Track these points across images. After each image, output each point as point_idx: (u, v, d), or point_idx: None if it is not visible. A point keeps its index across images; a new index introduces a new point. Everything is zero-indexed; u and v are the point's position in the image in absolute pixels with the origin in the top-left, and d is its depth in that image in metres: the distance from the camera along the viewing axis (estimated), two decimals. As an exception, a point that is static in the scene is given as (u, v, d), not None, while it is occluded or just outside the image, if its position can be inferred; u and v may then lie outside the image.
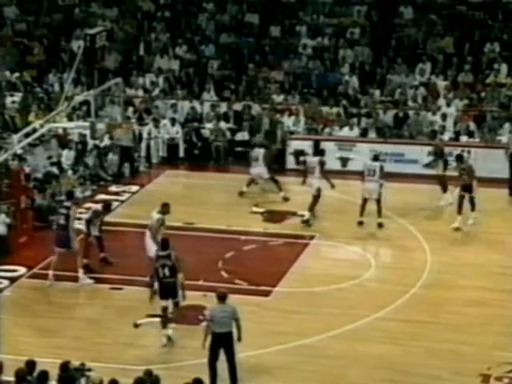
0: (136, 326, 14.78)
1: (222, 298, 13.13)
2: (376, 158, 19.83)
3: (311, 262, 17.76)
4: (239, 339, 13.04)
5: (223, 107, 25.49)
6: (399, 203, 20.42)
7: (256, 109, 25.15)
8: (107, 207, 18.23)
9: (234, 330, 13.07)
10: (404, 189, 21.43)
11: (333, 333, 14.74)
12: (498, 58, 25.53)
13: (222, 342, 12.97)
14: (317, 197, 19.44)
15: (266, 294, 16.27)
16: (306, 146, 23.62)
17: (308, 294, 16.21)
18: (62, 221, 16.92)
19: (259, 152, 21.37)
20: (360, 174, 19.68)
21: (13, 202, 18.58)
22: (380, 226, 19.08)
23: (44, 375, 11.32)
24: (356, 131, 24.20)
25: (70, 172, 22.02)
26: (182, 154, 24.58)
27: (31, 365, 11.43)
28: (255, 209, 20.51)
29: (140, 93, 26.63)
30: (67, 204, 17.25)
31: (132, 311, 15.36)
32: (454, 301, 15.86)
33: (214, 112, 25.19)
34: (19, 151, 20.80)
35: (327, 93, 25.51)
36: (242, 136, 24.65)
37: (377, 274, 17.11)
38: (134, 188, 22.28)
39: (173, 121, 24.79)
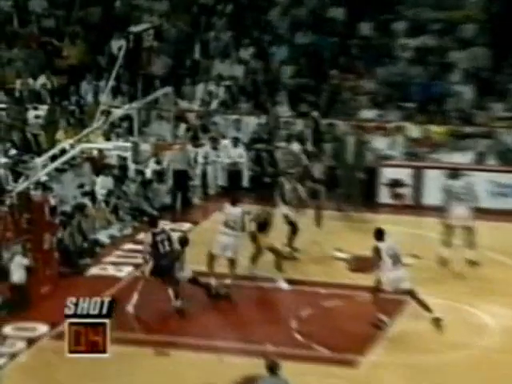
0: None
1: (273, 369, 12.92)
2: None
3: (411, 323, 17.49)
4: None
5: (299, 125, 25.41)
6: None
7: (341, 127, 25.04)
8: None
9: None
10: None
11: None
12: None
13: None
14: None
15: (353, 364, 16.08)
16: (405, 174, 23.62)
17: (407, 366, 15.95)
18: None
19: None
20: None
21: (33, 242, 18.65)
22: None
23: None
24: (470, 156, 23.96)
25: (103, 204, 22.14)
26: (246, 183, 24.55)
27: None
28: (339, 254, 20.32)
29: (195, 106, 26.72)
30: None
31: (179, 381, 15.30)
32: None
33: (288, 131, 25.14)
34: (43, 178, 20.97)
35: (433, 107, 25.35)
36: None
37: (498, 340, 16.83)
38: (186, 226, 22.34)
39: (235, 141, 24.84)
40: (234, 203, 18.42)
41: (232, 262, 18.30)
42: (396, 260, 17.07)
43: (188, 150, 24.20)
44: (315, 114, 25.68)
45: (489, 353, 16.38)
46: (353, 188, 23.46)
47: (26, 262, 18.30)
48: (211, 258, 18.38)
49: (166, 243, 17.73)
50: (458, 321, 17.54)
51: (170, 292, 17.42)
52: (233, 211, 18.46)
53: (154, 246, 17.70)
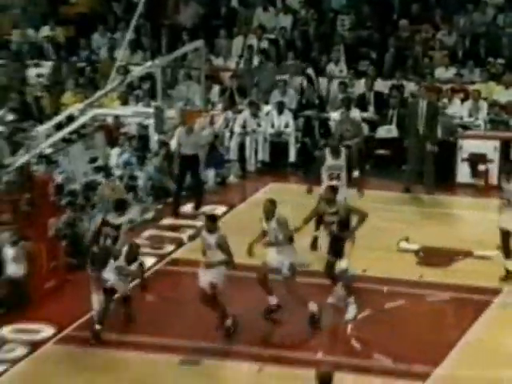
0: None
1: (325, 382, 13.14)
2: None
3: (494, 330, 17.62)
4: None
5: (359, 87, 25.55)
6: None
7: (411, 89, 25.13)
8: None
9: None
10: None
11: None
12: None
13: None
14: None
15: (423, 377, 16.14)
16: (490, 147, 23.69)
17: (489, 381, 16.04)
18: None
19: None
20: None
21: (35, 228, 18.95)
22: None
23: None
24: None
25: (119, 182, 22.37)
26: (292, 157, 24.79)
27: None
28: (405, 245, 20.54)
29: (231, 64, 26.89)
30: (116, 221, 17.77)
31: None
32: None
33: (345, 94, 25.28)
34: (47, 150, 21.19)
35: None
36: (388, 131, 24.73)
37: None
38: (220, 209, 22.54)
39: (280, 107, 25.04)
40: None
41: None
42: None
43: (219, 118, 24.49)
44: (310, 70, 25.99)
45: None
46: (424, 164, 23.52)
47: (11, 253, 18.41)
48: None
49: (109, 240, 17.89)
50: None
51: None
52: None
53: (96, 234, 18.11)
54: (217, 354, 16.72)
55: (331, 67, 26.48)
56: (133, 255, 17.29)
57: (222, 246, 16.95)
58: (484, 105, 24.82)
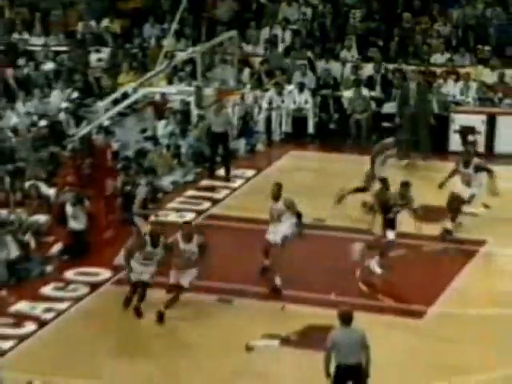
0: (249, 348, 14.82)
1: (346, 319, 12.99)
2: None
3: (480, 275, 17.53)
4: (366, 374, 12.87)
5: (368, 70, 25.35)
6: None
7: (409, 72, 24.97)
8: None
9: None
10: None
11: (506, 373, 14.38)
12: None
13: (349, 376, 12.86)
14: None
15: (418, 315, 16.09)
16: (478, 121, 23.49)
17: (474, 319, 15.92)
18: None
19: None
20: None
21: (95, 187, 18.94)
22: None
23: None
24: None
25: (166, 149, 22.30)
26: (311, 129, 24.66)
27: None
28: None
29: (260, 50, 26.75)
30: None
31: (243, 329, 15.48)
32: None
33: (356, 76, 25.10)
34: (106, 122, 21.16)
35: (509, 50, 25.25)
36: (391, 108, 24.51)
37: None
38: (250, 172, 22.45)
39: (301, 86, 24.89)
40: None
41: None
42: None
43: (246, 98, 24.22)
44: (309, 53, 25.79)
45: None
46: (420, 135, 23.39)
47: (71, 211, 18.41)
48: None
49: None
50: None
51: None
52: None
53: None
54: (247, 295, 16.67)
55: (344, 53, 26.26)
56: (157, 239, 16.23)
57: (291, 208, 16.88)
58: (473, 85, 24.54)
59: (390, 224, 17.41)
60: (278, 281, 16.74)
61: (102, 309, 16.54)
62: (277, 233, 16.87)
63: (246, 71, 25.82)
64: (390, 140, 20.51)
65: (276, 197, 16.92)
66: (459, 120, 23.73)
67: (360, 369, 12.80)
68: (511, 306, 16.19)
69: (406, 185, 17.75)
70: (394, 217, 17.47)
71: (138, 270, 16.09)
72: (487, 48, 25.56)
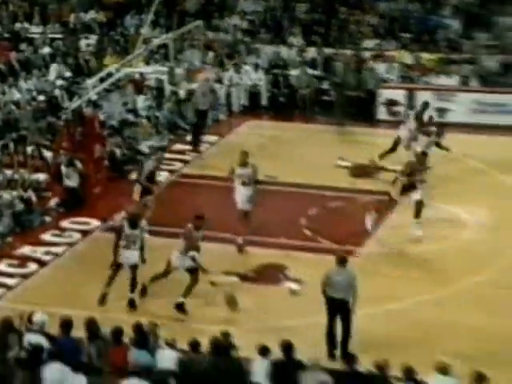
0: (212, 284, 14.81)
1: (340, 261, 13.03)
2: None
3: (402, 220, 17.44)
4: (352, 310, 12.84)
5: (311, 53, 25.27)
6: (501, 158, 19.98)
7: (345, 55, 24.93)
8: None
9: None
10: (508, 143, 20.88)
11: (423, 298, 14.53)
12: None
13: (337, 309, 12.86)
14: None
15: (352, 254, 16.01)
16: (400, 95, 23.50)
17: (397, 256, 16.02)
18: None
19: None
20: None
21: (86, 151, 18.78)
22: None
23: (118, 332, 11.46)
24: (456, 79, 23.82)
25: (145, 120, 22.16)
26: (265, 102, 24.53)
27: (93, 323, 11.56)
28: (341, 162, 20.32)
29: (222, 36, 26.57)
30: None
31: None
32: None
33: (301, 58, 25.01)
34: (94, 97, 20.97)
35: (425, 37, 25.20)
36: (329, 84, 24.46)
37: (473, 235, 16.77)
38: (213, 138, 22.31)
39: (256, 66, 24.74)
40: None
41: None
42: None
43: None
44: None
45: (468, 244, 16.42)
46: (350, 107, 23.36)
47: (65, 171, 18.24)
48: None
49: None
50: (442, 218, 17.49)
51: None
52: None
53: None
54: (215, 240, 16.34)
55: (292, 39, 26.08)
56: (134, 221, 14.42)
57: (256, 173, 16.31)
58: (396, 66, 24.50)
59: (413, 187, 16.76)
60: (240, 240, 16.32)
61: (92, 251, 16.49)
62: (249, 199, 16.36)
63: (210, 54, 25.61)
64: None
65: (244, 163, 16.47)
66: (385, 94, 23.67)
67: (346, 304, 12.81)
68: (427, 244, 16.31)
69: (424, 154, 17.45)
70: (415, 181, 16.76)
71: (123, 254, 14.38)
72: (408, 35, 25.51)
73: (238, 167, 16.36)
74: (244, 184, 16.27)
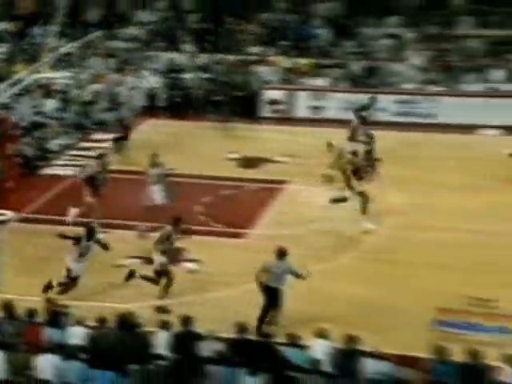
0: (118, 266, 14.60)
1: (279, 254, 12.96)
2: None
3: (286, 205, 17.60)
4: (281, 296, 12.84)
5: (202, 58, 25.18)
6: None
7: (232, 60, 24.89)
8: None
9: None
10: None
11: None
12: (464, 11, 25.19)
13: (271, 295, 12.83)
14: None
15: (242, 236, 16.13)
16: (281, 94, 23.57)
17: (282, 237, 15.91)
18: None
19: None
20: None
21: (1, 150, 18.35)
22: None
23: (32, 313, 11.22)
24: (328, 81, 24.03)
25: (53, 121, 21.70)
26: (162, 103, 24.30)
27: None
28: (231, 155, 20.26)
29: (122, 45, 26.20)
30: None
31: (119, 253, 15.16)
32: (426, 241, 15.64)
33: (194, 63, 24.88)
34: (7, 100, 20.44)
35: (301, 45, 25.31)
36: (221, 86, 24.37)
37: (349, 215, 16.84)
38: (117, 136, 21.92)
39: (153, 71, 24.50)
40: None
41: None
42: None
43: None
44: None
45: (341, 225, 16.34)
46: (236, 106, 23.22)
47: None
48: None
49: None
50: (318, 202, 17.36)
51: None
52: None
53: None
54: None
55: (184, 46, 25.87)
56: (92, 235, 13.87)
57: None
58: (277, 69, 24.56)
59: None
60: (142, 227, 15.95)
61: (8, 239, 15.94)
62: (161, 194, 16.12)
63: (112, 61, 25.21)
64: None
65: (155, 164, 16.24)
66: (267, 94, 23.67)
67: (277, 291, 12.78)
68: (308, 225, 16.34)
69: (369, 152, 17.06)
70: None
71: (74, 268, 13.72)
72: (286, 43, 25.62)
73: (150, 168, 16.21)
74: (157, 182, 16.13)
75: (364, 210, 16.25)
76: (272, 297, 12.83)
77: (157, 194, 16.11)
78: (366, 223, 16.12)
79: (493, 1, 24.66)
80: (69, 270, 13.74)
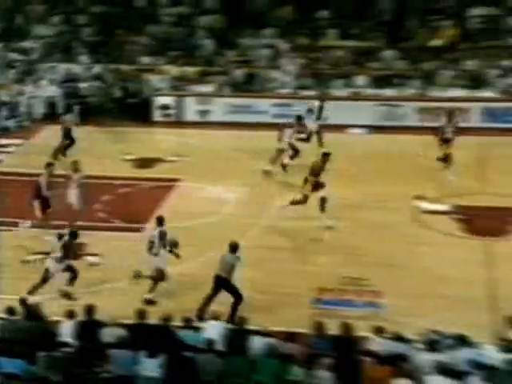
0: (24, 262, 14.21)
1: (232, 248, 12.87)
2: None
3: (179, 201, 17.47)
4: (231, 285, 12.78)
5: (97, 68, 24.70)
6: (249, 148, 20.29)
7: (125, 69, 24.52)
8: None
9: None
10: (253, 136, 21.34)
11: (199, 260, 14.58)
12: (328, 23, 25.60)
13: (219, 283, 12.73)
14: None
15: (139, 230, 15.90)
16: (170, 100, 23.34)
17: (175, 229, 15.71)
18: None
19: None
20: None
21: None
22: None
23: None
24: (213, 87, 23.96)
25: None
26: (61, 110, 23.70)
27: None
28: (127, 157, 19.99)
29: (20, 57, 25.42)
30: None
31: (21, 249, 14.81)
32: (303, 229, 15.80)
33: (89, 73, 24.41)
34: None
35: (187, 54, 25.08)
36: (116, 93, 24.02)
37: (234, 208, 16.91)
38: (19, 141, 21.34)
39: (52, 81, 23.87)
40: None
41: None
42: None
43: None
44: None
45: (228, 217, 16.58)
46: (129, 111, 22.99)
47: None
48: None
49: None
50: (207, 197, 17.56)
51: None
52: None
53: None
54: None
55: (80, 58, 25.25)
56: (72, 252, 13.61)
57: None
58: (166, 77, 24.11)
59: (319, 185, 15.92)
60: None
61: None
62: (82, 197, 15.71)
63: (13, 71, 24.40)
64: None
65: (76, 169, 15.82)
66: (159, 100, 23.42)
67: (226, 280, 12.68)
68: (199, 218, 16.32)
69: (327, 155, 16.20)
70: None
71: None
72: (174, 53, 25.34)
73: (73, 174, 15.78)
74: (78, 186, 15.71)
75: (323, 209, 15.86)
76: (218, 286, 12.72)
77: (75, 198, 15.66)
78: (326, 221, 15.83)
79: (353, 16, 25.23)
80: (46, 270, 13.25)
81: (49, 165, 16.03)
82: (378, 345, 10.56)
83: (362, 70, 24.02)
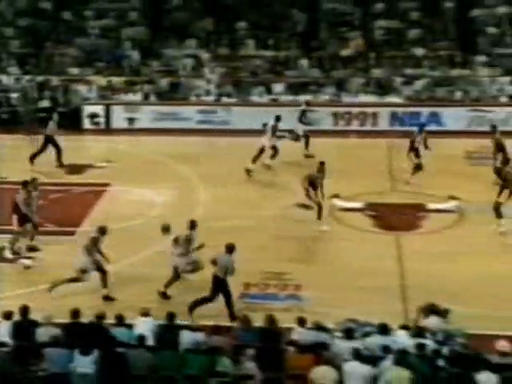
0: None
1: (228, 249, 12.58)
2: None
3: (109, 204, 17.25)
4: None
5: (26, 80, 24.11)
6: (176, 153, 20.20)
7: (55, 81, 24.01)
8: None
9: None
10: (179, 141, 21.22)
11: (132, 259, 14.44)
12: (247, 34, 25.69)
13: (216, 283, 12.49)
14: None
15: (72, 233, 15.65)
16: (99, 109, 23.01)
17: (110, 231, 15.56)
18: None
19: None
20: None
21: None
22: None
23: None
24: (140, 96, 23.71)
25: None
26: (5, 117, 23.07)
27: None
28: (101, 163, 19.66)
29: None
30: None
31: None
32: (228, 227, 15.79)
33: (19, 84, 23.78)
34: None
35: (114, 65, 24.77)
36: (45, 103, 23.46)
37: (162, 210, 16.78)
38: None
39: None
40: None
41: None
42: None
43: None
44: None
45: (155, 219, 16.17)
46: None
47: None
48: None
49: None
50: (136, 200, 17.38)
51: None
52: None
53: None
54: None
55: (9, 69, 24.56)
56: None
57: None
58: (94, 87, 23.74)
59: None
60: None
61: None
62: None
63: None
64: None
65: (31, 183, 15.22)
66: (88, 109, 23.01)
67: (223, 280, 12.47)
68: (128, 221, 16.08)
69: (323, 164, 16.07)
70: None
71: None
72: (101, 64, 24.84)
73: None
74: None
75: (319, 215, 15.74)
76: (217, 286, 12.51)
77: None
78: (323, 226, 15.74)
79: (269, 27, 25.38)
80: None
81: (25, 184, 15.24)
82: (300, 334, 10.63)
83: (280, 78, 24.23)
